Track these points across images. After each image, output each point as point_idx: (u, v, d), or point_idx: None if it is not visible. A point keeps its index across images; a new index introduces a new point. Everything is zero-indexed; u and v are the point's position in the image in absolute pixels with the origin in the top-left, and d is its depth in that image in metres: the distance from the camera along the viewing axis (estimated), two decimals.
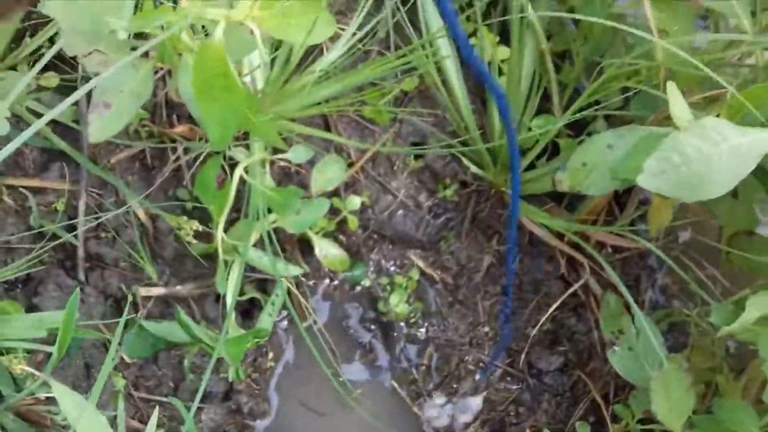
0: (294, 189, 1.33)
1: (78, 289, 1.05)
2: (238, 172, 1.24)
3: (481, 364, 1.48)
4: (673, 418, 1.13)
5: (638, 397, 1.24)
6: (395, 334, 1.50)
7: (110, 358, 1.05)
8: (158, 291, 1.37)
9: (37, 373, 1.13)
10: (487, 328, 1.49)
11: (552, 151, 1.41)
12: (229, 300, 1.29)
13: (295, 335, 1.48)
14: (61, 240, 1.32)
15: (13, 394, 1.13)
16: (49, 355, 1.16)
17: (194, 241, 1.27)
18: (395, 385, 1.49)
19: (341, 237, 1.49)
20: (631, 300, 1.22)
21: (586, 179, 1.17)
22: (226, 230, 1.29)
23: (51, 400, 1.21)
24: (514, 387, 1.48)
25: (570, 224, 1.40)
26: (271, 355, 1.47)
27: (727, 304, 1.14)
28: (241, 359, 1.30)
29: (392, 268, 1.51)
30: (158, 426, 1.40)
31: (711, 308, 1.16)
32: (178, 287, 1.38)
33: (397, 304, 1.47)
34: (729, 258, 1.30)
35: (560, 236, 1.43)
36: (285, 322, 1.50)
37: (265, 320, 1.33)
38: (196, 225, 1.24)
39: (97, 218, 1.33)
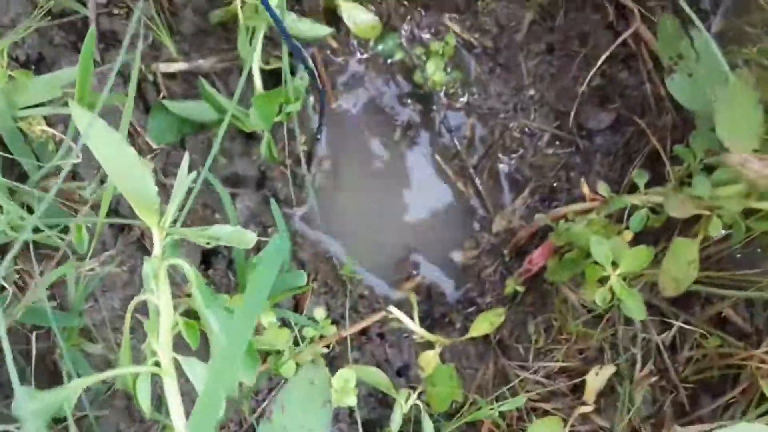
0: None
1: (93, 28, 0.96)
2: None
3: (526, 130, 1.38)
4: (741, 140, 1.02)
5: (699, 133, 1.14)
6: (434, 106, 1.40)
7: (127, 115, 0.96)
8: (179, 66, 1.27)
9: (58, 134, 1.06)
10: (532, 91, 1.39)
11: None
12: (255, 65, 1.21)
13: (327, 116, 1.39)
14: (71, 17, 1.23)
15: (37, 164, 1.07)
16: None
17: None
18: (438, 159, 1.41)
19: (370, 7, 1.38)
20: (693, 15, 1.10)
21: None
22: None
23: (77, 177, 1.16)
24: (563, 151, 1.38)
25: None
26: (303, 138, 1.39)
27: None
28: (271, 126, 1.22)
29: (427, 36, 1.41)
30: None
31: None
32: (200, 61, 1.28)
33: (434, 72, 1.37)
34: None
35: None
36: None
37: (296, 83, 1.24)
38: None
39: None
